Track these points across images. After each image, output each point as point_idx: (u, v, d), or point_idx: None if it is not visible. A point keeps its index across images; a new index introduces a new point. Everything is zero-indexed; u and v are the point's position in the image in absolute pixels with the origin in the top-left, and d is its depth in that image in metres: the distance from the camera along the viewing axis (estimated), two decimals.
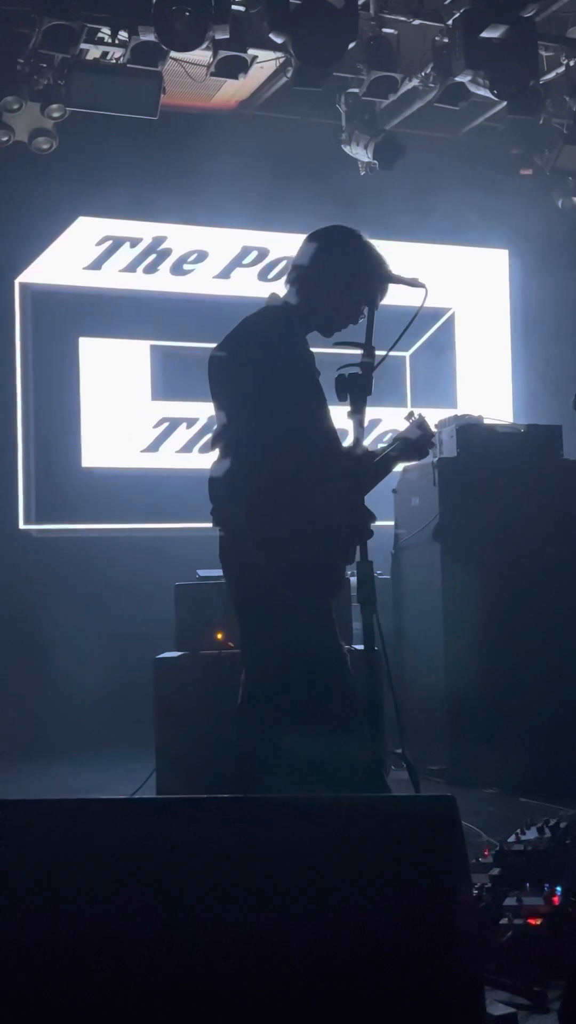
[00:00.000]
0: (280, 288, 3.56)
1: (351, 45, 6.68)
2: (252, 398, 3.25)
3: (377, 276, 3.37)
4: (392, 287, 3.30)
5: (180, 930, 1.58)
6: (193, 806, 1.80)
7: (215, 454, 3.42)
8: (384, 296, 3.37)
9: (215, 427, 3.45)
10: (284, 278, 3.54)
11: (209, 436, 3.49)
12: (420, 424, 3.51)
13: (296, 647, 3.30)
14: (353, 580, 3.41)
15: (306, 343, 3.46)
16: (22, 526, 7.84)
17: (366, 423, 3.18)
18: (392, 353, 3.21)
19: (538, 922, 2.95)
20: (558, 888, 3.10)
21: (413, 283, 3.27)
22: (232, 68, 6.78)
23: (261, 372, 3.27)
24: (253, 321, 3.44)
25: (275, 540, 3.19)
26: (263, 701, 3.38)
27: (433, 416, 6.85)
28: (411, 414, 3.55)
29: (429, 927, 1.49)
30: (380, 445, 3.80)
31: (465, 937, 1.55)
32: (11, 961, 1.64)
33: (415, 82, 7.39)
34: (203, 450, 7.96)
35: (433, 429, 3.60)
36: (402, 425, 3.62)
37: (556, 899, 3.06)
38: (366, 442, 3.26)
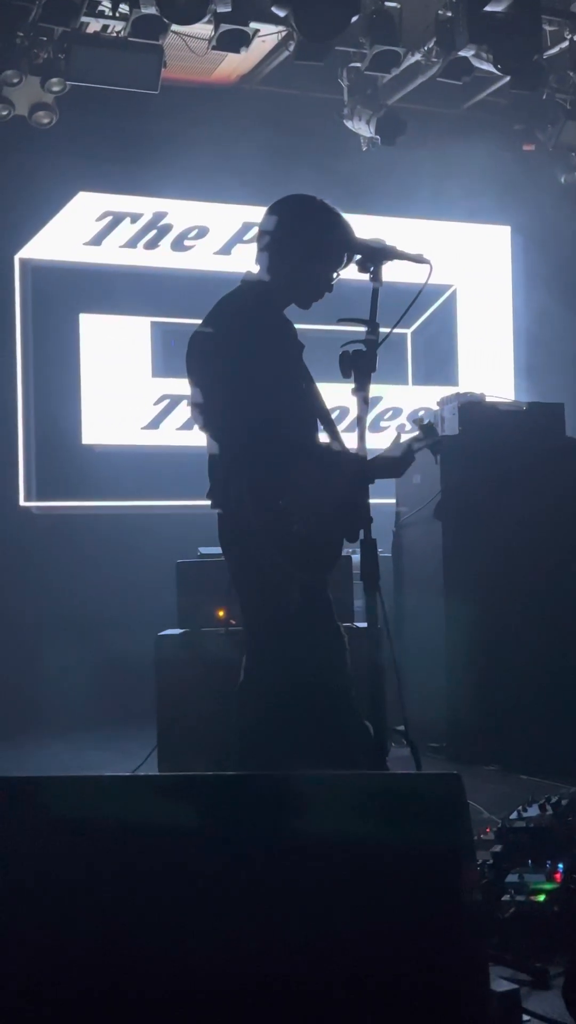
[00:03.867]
0: (252, 254, 3.55)
1: (353, 19, 6.63)
2: (227, 376, 3.27)
3: (342, 243, 3.38)
4: (396, 263, 3.28)
5: (181, 908, 1.58)
6: (194, 783, 1.80)
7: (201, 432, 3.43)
8: (350, 262, 3.37)
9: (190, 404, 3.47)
10: (256, 245, 3.52)
11: None
12: (403, 446, 3.47)
13: (291, 627, 3.31)
14: (356, 558, 3.41)
15: (283, 318, 3.48)
16: (22, 503, 7.83)
17: (369, 400, 3.17)
18: (394, 331, 3.20)
19: (540, 899, 2.95)
20: (560, 865, 3.11)
21: (418, 259, 3.26)
22: (234, 42, 6.73)
23: (236, 350, 3.29)
24: (229, 300, 3.45)
25: (273, 513, 3.19)
26: (259, 676, 3.39)
27: (435, 394, 6.86)
28: (398, 436, 3.54)
29: (435, 904, 1.49)
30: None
31: (470, 914, 1.55)
32: (10, 940, 1.63)
33: (418, 56, 7.34)
34: None
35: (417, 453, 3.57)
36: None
37: (558, 876, 3.07)
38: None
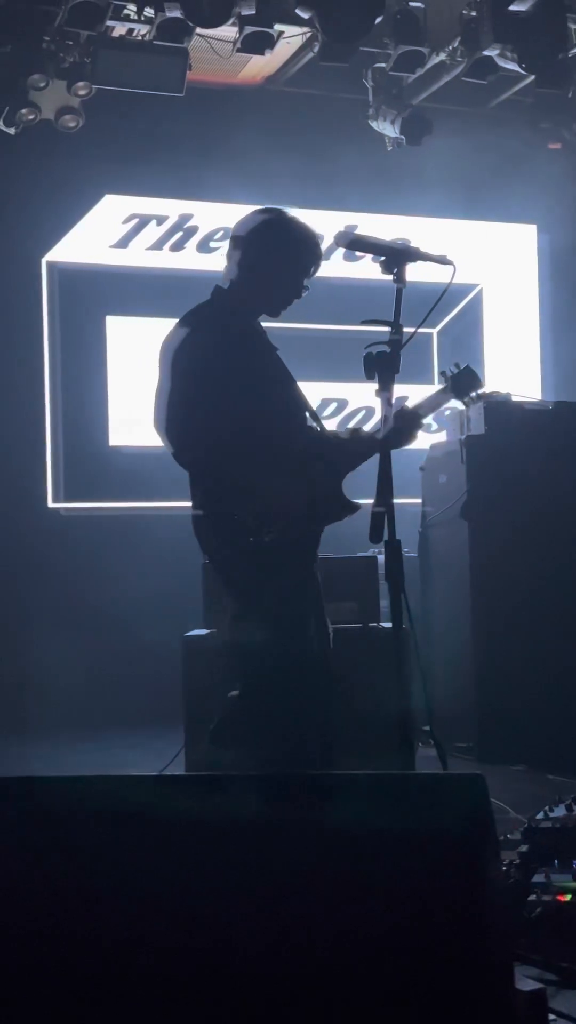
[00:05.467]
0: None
1: (378, 19, 6.63)
2: (186, 385, 3.31)
3: (306, 252, 3.48)
4: (420, 264, 3.29)
5: (205, 904, 1.59)
6: (219, 783, 1.81)
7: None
8: (318, 269, 3.51)
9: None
10: (226, 257, 3.57)
11: None
12: (404, 411, 3.51)
13: (261, 632, 3.32)
14: (381, 558, 3.41)
15: (253, 325, 3.52)
16: (51, 504, 7.87)
17: (394, 401, 3.17)
18: (420, 330, 3.20)
19: (567, 898, 2.95)
20: None
21: (441, 260, 3.26)
22: (258, 44, 6.74)
23: (200, 358, 3.34)
24: (200, 307, 3.50)
25: (232, 523, 3.24)
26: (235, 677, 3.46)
27: None
28: (402, 407, 3.57)
29: (459, 904, 1.49)
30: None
31: (495, 914, 1.55)
32: (10, 940, 1.64)
33: (442, 56, 7.33)
34: None
35: (427, 419, 3.62)
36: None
37: None
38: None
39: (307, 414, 3.55)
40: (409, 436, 3.48)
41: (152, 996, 1.54)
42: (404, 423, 3.46)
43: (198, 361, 3.34)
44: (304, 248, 3.50)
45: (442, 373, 3.61)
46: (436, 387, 3.65)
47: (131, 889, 1.60)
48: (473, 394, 3.65)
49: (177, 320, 3.49)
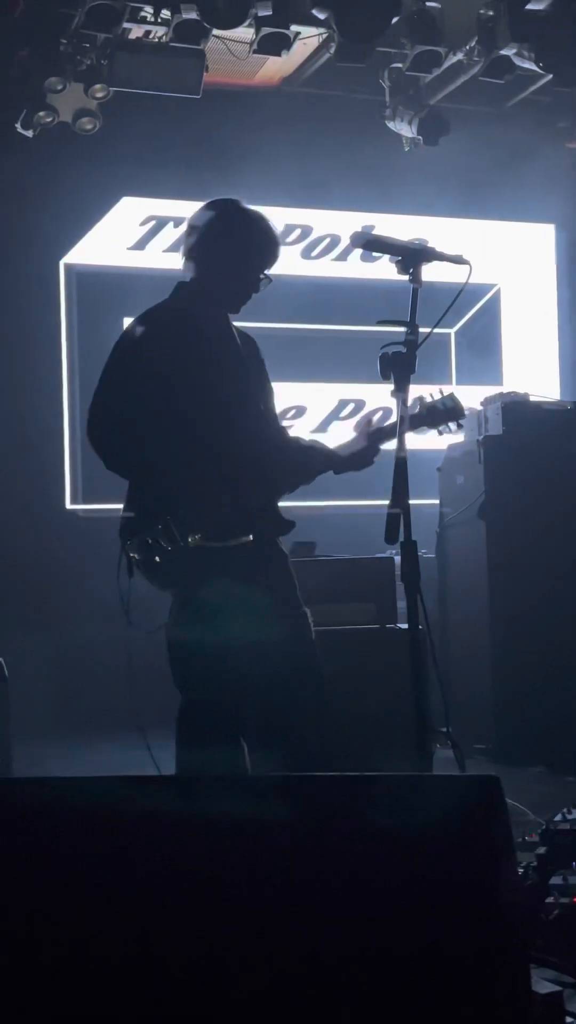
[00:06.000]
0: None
1: (394, 19, 6.62)
2: (107, 375, 3.33)
3: (265, 246, 3.42)
4: (436, 264, 3.27)
5: (215, 906, 1.59)
6: (234, 784, 1.81)
7: None
8: (275, 262, 3.43)
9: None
10: (181, 248, 3.54)
11: None
12: (369, 433, 3.47)
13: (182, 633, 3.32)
14: (397, 559, 3.40)
15: (207, 321, 3.42)
16: (68, 506, 7.89)
17: (410, 402, 3.16)
18: (437, 330, 3.19)
19: None
20: None
21: (458, 260, 3.24)
22: (275, 45, 6.75)
23: (126, 352, 3.33)
24: (157, 304, 3.47)
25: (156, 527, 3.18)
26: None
27: (479, 393, 6.84)
28: (367, 423, 3.54)
29: (475, 907, 1.49)
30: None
31: (510, 916, 1.55)
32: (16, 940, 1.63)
33: (459, 56, 7.31)
34: None
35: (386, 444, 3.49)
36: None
37: None
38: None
39: (265, 417, 3.45)
40: (363, 463, 3.44)
41: (163, 1004, 1.54)
42: (363, 450, 3.42)
43: (122, 356, 3.32)
44: (258, 241, 3.42)
45: (419, 399, 3.44)
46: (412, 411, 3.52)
47: (142, 896, 1.60)
48: (451, 424, 3.55)
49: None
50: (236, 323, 3.56)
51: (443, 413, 3.48)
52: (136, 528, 3.23)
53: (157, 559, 3.19)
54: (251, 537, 3.19)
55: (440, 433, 3.55)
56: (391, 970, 1.52)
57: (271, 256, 3.44)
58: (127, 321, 3.56)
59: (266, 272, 3.43)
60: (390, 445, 3.39)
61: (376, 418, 3.63)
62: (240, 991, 1.48)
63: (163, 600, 3.47)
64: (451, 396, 3.50)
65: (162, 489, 3.18)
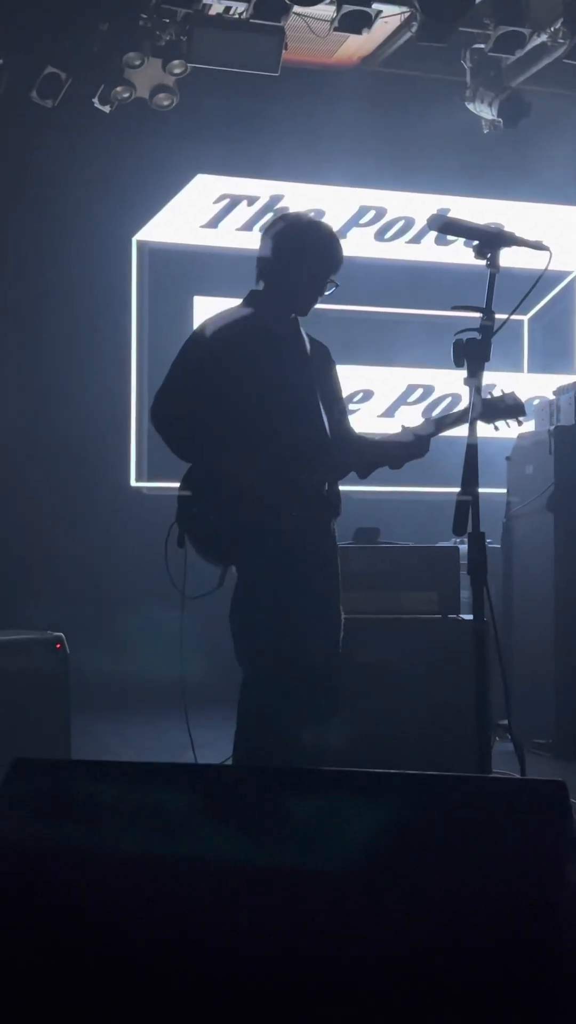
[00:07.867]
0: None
1: None
2: (176, 363, 3.52)
3: (326, 256, 3.55)
4: (515, 249, 3.21)
5: (282, 900, 1.56)
6: (293, 777, 1.78)
7: None
8: (339, 268, 3.57)
9: None
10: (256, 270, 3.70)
11: None
12: (436, 420, 3.60)
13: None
14: (463, 548, 3.35)
15: (281, 322, 3.60)
16: (133, 483, 7.91)
17: (483, 388, 3.11)
18: (512, 317, 3.13)
19: None
20: None
21: (537, 246, 3.18)
22: (356, 23, 6.67)
23: (191, 345, 3.55)
24: (230, 308, 3.67)
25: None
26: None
27: (552, 382, 6.72)
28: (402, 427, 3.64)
29: (536, 914, 1.44)
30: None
31: (574, 924, 1.50)
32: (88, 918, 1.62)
33: (544, 37, 7.16)
34: None
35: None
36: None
37: None
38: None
39: (326, 411, 3.57)
40: (420, 451, 3.57)
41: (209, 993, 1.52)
42: (417, 444, 3.54)
43: (190, 348, 3.52)
44: (320, 250, 3.55)
45: (477, 390, 3.48)
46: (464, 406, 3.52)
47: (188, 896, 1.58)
48: (508, 422, 3.55)
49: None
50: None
51: (501, 410, 3.51)
52: (191, 505, 3.48)
53: (212, 535, 3.47)
54: (299, 514, 3.37)
55: (496, 428, 3.56)
56: (449, 976, 1.48)
57: (333, 262, 3.57)
58: (198, 300, 3.72)
59: (332, 278, 3.58)
60: (456, 432, 3.41)
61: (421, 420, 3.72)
62: (302, 989, 1.45)
63: (210, 572, 3.60)
64: (512, 395, 3.56)
65: (217, 470, 3.40)
